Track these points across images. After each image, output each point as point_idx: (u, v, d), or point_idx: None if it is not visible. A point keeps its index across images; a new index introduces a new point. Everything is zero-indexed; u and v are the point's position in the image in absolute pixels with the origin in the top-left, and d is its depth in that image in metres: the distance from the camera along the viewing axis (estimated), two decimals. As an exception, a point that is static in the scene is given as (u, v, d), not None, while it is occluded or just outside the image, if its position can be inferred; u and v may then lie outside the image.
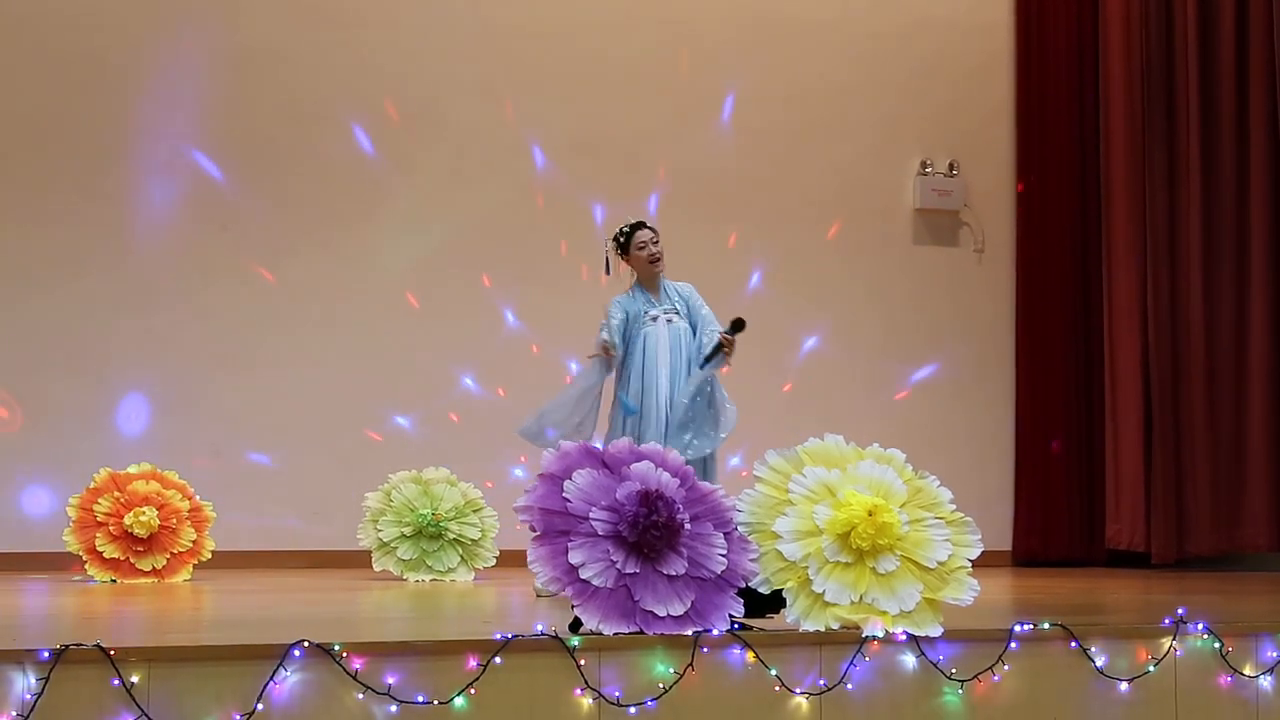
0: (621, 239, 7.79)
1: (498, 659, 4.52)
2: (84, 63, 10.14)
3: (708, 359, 7.52)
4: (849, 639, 4.90)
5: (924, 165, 11.69)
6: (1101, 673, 5.16)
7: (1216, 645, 5.31)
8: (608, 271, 7.79)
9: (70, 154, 10.10)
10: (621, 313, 7.67)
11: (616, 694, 4.62)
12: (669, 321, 7.66)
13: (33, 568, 9.33)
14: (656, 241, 7.73)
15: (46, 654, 4.16)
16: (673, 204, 11.04)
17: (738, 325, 7.55)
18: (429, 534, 9.07)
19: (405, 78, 10.70)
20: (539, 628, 4.71)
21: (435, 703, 4.44)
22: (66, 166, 10.09)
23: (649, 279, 7.78)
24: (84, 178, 10.10)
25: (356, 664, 4.39)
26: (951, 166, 11.73)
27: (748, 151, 11.32)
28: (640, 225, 7.81)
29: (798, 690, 4.81)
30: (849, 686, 4.86)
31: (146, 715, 4.20)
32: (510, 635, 4.57)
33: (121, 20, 10.22)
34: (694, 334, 7.70)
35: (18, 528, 9.76)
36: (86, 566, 8.83)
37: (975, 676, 4.99)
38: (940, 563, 5.14)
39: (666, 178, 11.09)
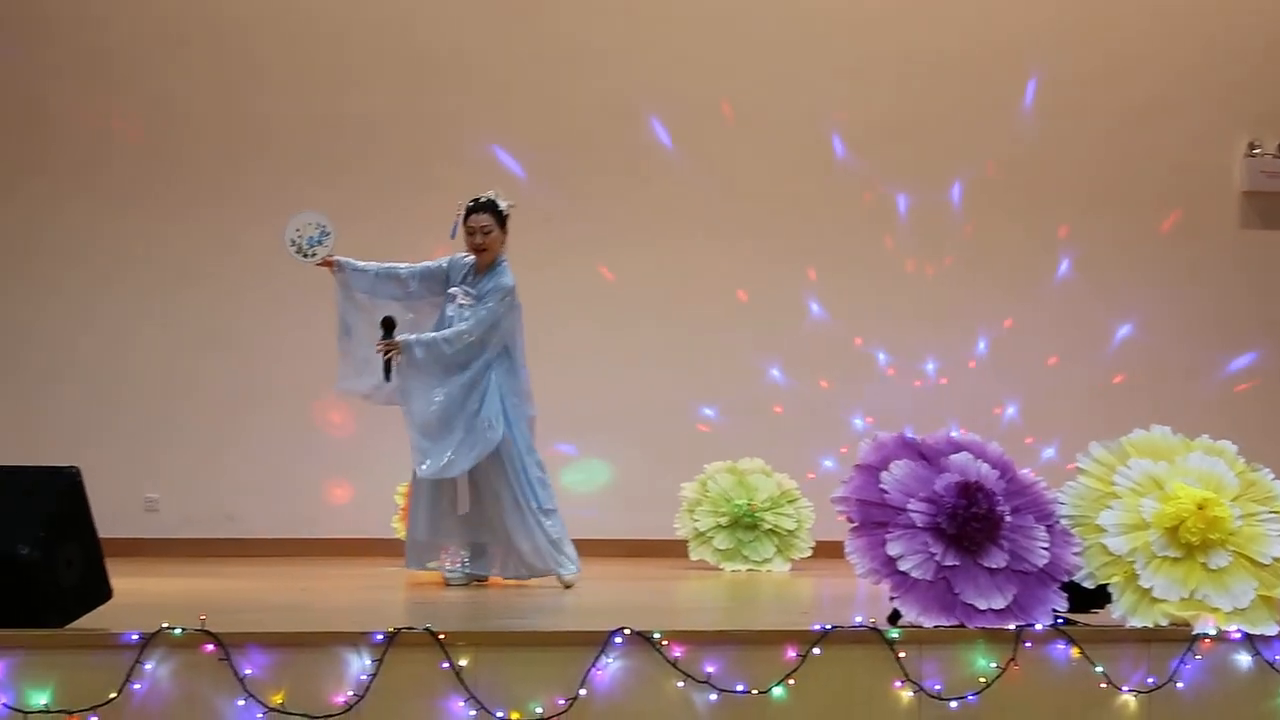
0: (463, 213, 7.41)
1: (816, 650, 4.52)
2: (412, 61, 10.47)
3: (386, 371, 7.22)
4: (1179, 636, 4.77)
5: (1251, 146, 11.23)
6: None
7: None
8: (453, 235, 7.41)
9: (383, 150, 10.45)
10: (443, 263, 7.46)
11: (937, 687, 4.57)
12: (460, 306, 7.35)
13: (367, 554, 9.66)
14: (488, 231, 7.32)
15: (380, 637, 4.32)
16: (980, 191, 10.87)
17: (389, 325, 7.23)
18: (745, 524, 9.10)
19: (702, 73, 10.74)
20: (858, 619, 4.69)
21: (754, 692, 4.46)
22: (378, 163, 10.43)
23: (477, 261, 7.44)
24: (399, 172, 10.41)
25: (676, 652, 4.44)
26: (1282, 147, 11.26)
27: (1059, 136, 11.04)
28: (483, 208, 7.37)
29: (1125, 688, 4.69)
30: (1179, 685, 4.73)
31: (474, 698, 4.32)
32: (829, 626, 4.57)
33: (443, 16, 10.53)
34: None
35: (349, 517, 10.11)
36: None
37: (1317, 678, 4.80)
38: (1276, 558, 4.96)
39: (970, 165, 10.92)
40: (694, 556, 9.12)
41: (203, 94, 10.30)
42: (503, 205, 7.39)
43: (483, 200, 7.37)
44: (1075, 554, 4.94)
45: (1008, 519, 4.91)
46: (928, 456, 5.05)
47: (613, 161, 10.54)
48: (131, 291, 10.14)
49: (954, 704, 4.57)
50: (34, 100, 10.19)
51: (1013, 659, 4.63)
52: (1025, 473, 5.13)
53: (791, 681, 4.49)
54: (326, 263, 7.33)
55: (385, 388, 7.29)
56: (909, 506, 4.87)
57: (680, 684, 4.43)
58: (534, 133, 10.46)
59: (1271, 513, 5.09)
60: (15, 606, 4.36)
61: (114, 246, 10.15)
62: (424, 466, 7.16)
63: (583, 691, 4.38)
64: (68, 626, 4.45)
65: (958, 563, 4.78)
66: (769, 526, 9.10)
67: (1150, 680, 4.72)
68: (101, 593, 4.71)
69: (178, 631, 4.25)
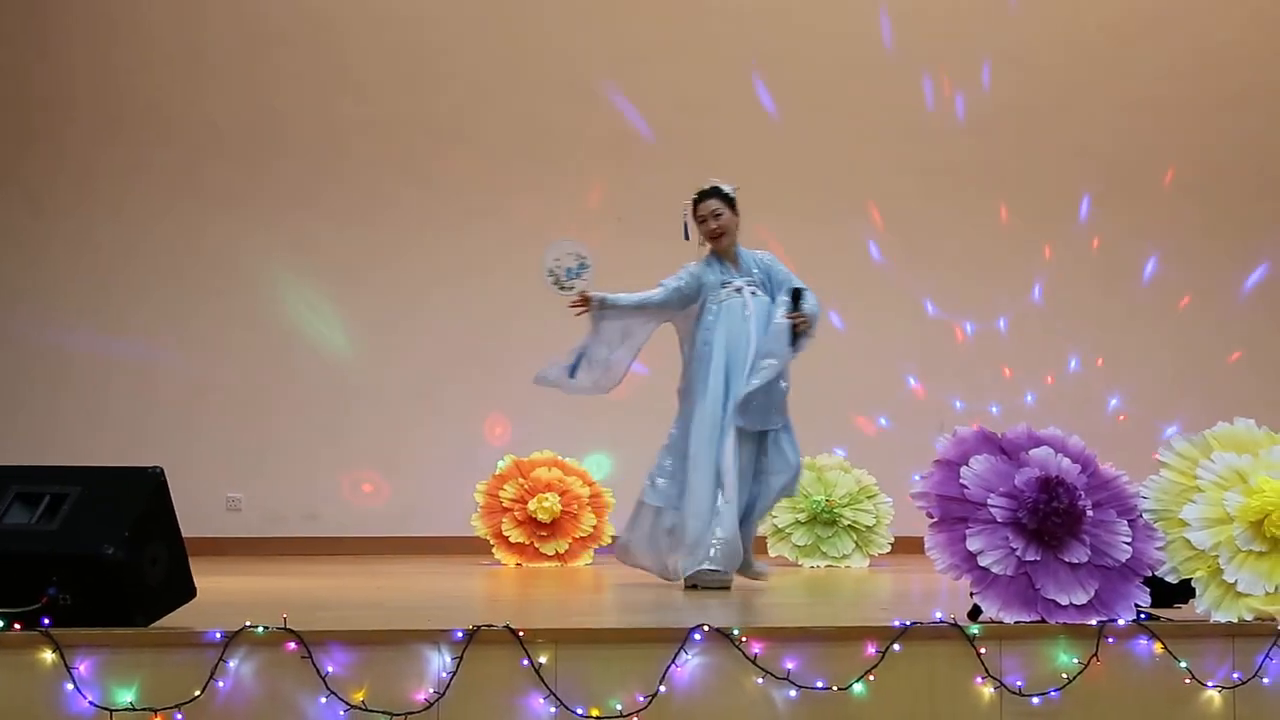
0: (691, 207, 7.31)
1: (896, 646, 4.50)
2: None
3: (793, 343, 7.08)
4: (1264, 631, 4.71)
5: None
6: None
7: None
8: (686, 236, 7.29)
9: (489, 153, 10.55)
10: (688, 278, 7.23)
11: (1019, 683, 4.54)
12: (754, 294, 7.19)
13: (448, 552, 9.73)
14: (720, 214, 7.20)
15: (460, 634, 4.34)
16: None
17: (796, 297, 7.10)
18: (823, 520, 9.09)
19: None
20: (938, 615, 4.66)
21: (834, 689, 4.44)
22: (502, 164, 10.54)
23: (717, 251, 7.30)
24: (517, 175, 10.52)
25: (756, 648, 4.43)
26: None
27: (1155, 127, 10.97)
28: (707, 194, 7.26)
29: (1210, 684, 4.64)
30: (1265, 681, 4.67)
31: (554, 694, 4.33)
32: (909, 622, 4.55)
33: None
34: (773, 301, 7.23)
35: (428, 515, 10.18)
36: (493, 551, 9.15)
37: (1404, 673, 4.73)
38: (1363, 552, 4.89)
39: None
40: (773, 553, 9.12)
41: (299, 98, 10.45)
42: (727, 188, 7.28)
43: (706, 187, 7.28)
44: (1158, 548, 4.89)
45: (1089, 513, 4.86)
46: (1008, 451, 5.01)
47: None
48: (212, 295, 10.28)
49: (1036, 700, 4.54)
50: (136, 107, 10.37)
51: (1095, 655, 4.59)
52: (1107, 467, 5.09)
53: (872, 678, 4.47)
54: (583, 299, 7.16)
55: (582, 380, 7.28)
56: (989, 502, 4.83)
57: (760, 680, 4.43)
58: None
59: (1359, 506, 5.03)
60: (101, 605, 4.42)
61: (200, 252, 10.30)
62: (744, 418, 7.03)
63: (662, 688, 4.37)
64: (152, 625, 4.50)
65: (1038, 558, 4.75)
66: (848, 522, 9.08)
67: (1235, 675, 4.66)
68: (185, 592, 4.75)
69: (260, 630, 4.29)
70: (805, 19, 10.77)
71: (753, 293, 7.19)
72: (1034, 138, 10.90)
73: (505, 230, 10.32)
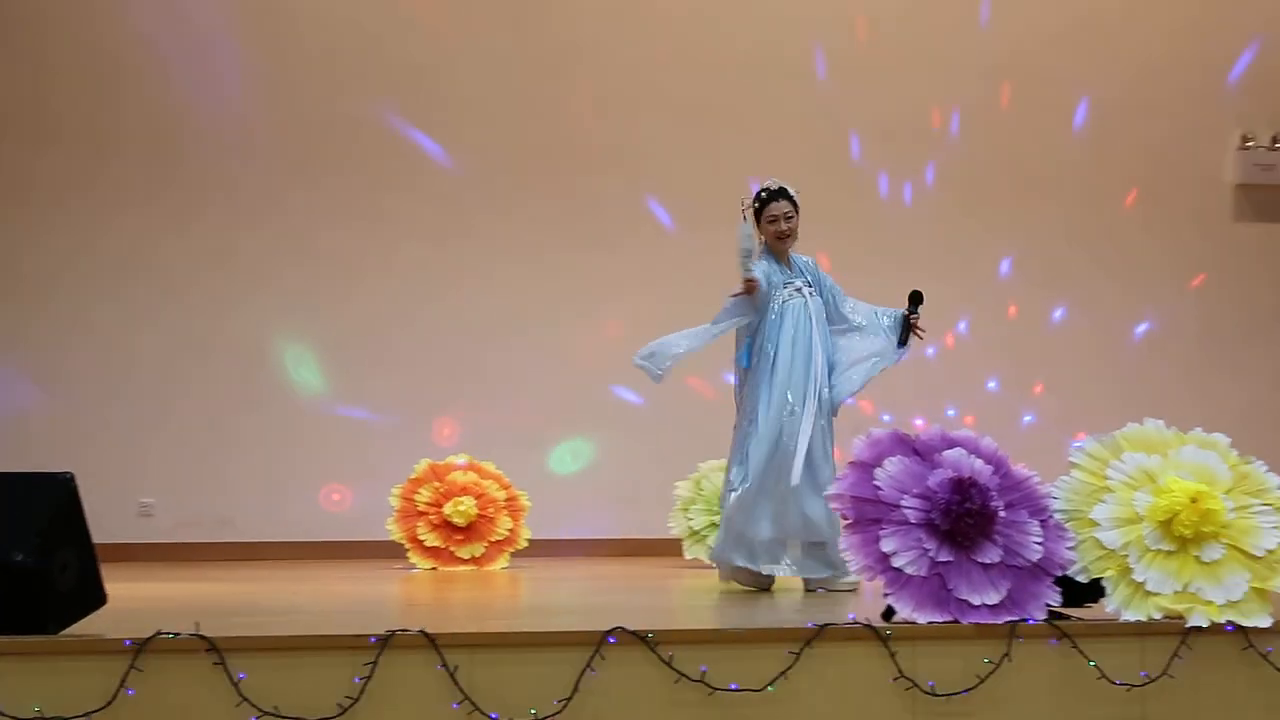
0: (757, 204, 7.19)
1: (810, 647, 4.52)
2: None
3: (902, 341, 7.09)
4: (1172, 629, 4.78)
5: (1244, 139, 11.23)
6: None
7: None
8: (749, 234, 7.11)
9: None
10: (763, 277, 7.09)
11: (931, 683, 4.58)
12: (810, 295, 7.16)
13: (362, 557, 9.67)
14: (790, 217, 7.12)
15: (375, 639, 4.32)
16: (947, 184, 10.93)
17: (917, 299, 7.08)
18: (740, 522, 9.09)
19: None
20: (852, 616, 4.69)
21: (749, 690, 4.46)
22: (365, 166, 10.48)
23: (777, 252, 7.23)
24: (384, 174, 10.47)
25: (670, 651, 4.44)
26: (1275, 140, 11.23)
27: (1041, 130, 11.06)
28: (778, 195, 7.15)
29: (1119, 682, 4.70)
30: (1173, 678, 4.73)
31: (470, 700, 4.32)
32: (823, 624, 4.57)
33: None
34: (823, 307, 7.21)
35: (344, 520, 10.12)
36: (409, 555, 9.11)
37: (1309, 669, 4.81)
38: (1269, 550, 4.97)
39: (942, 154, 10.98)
40: (688, 555, 9.12)
41: (197, 100, 10.33)
42: (793, 190, 7.21)
43: (775, 188, 7.19)
44: (1069, 548, 4.94)
45: (1001, 514, 4.91)
46: (921, 453, 5.06)
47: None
48: (123, 296, 10.15)
49: (948, 700, 4.58)
50: (33, 105, 10.19)
51: (1007, 654, 4.64)
52: (1019, 468, 5.14)
53: (786, 679, 4.49)
54: (754, 281, 6.97)
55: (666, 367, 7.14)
56: (903, 503, 4.87)
57: (674, 683, 4.43)
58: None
59: (1264, 505, 5.10)
60: (10, 612, 4.36)
61: (106, 252, 10.16)
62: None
63: (577, 692, 4.38)
64: (62, 632, 4.45)
65: (951, 558, 4.79)
66: (764, 524, 9.08)
67: (1144, 674, 4.72)
68: (96, 598, 4.70)
69: (172, 636, 4.25)
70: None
71: (810, 294, 7.18)
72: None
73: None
